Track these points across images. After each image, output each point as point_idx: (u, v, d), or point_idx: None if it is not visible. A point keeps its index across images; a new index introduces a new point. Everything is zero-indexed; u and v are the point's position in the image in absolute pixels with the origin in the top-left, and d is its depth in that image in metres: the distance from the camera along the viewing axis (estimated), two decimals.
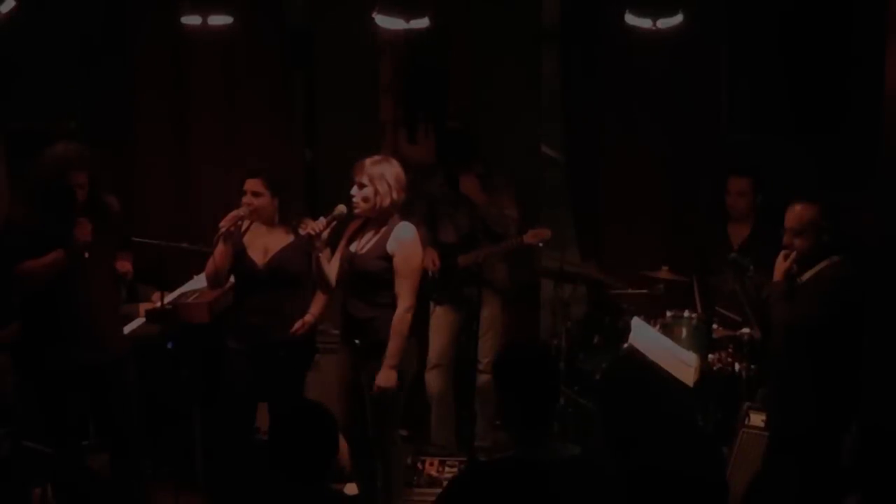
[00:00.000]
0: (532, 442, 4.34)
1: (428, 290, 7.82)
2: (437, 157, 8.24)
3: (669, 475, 4.32)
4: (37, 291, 6.12)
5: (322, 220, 6.24)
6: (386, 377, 6.28)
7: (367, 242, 6.39)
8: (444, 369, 8.01)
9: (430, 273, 7.75)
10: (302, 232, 6.45)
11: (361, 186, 6.29)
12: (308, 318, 6.63)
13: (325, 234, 6.26)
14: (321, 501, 4.42)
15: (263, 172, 6.64)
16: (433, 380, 8.00)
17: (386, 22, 6.64)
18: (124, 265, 6.43)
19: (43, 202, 6.08)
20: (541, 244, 7.62)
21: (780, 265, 6.05)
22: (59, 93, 7.58)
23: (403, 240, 6.34)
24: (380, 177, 6.29)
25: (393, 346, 6.27)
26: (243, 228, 6.64)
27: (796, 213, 5.99)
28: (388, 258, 6.29)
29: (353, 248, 6.40)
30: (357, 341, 6.37)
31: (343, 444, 6.92)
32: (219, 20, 7.04)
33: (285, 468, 4.38)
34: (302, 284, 6.59)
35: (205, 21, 7.01)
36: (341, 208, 6.29)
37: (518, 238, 7.62)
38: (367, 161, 6.32)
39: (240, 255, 6.59)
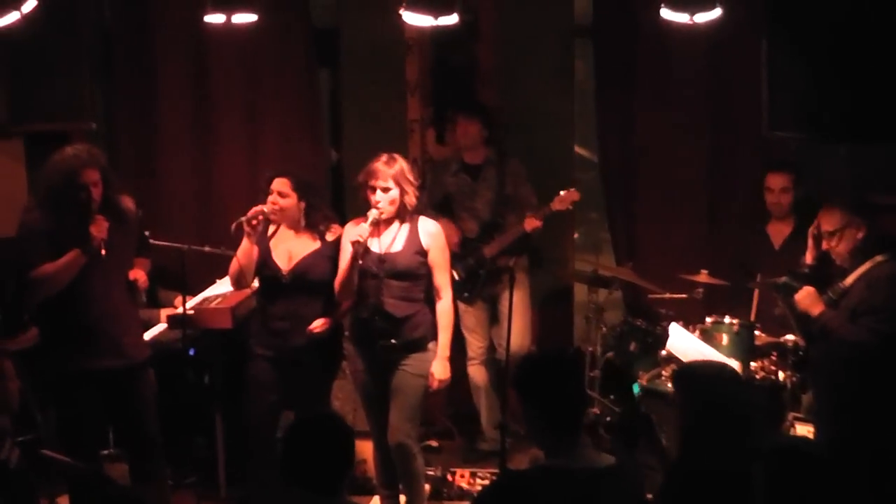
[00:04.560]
0: (562, 452, 4.34)
1: (458, 291, 7.84)
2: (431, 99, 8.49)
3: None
4: (54, 296, 6.12)
5: (365, 227, 6.29)
6: (444, 369, 6.51)
7: (394, 241, 6.45)
8: (485, 362, 8.15)
9: (457, 275, 7.86)
10: (330, 239, 6.59)
11: (386, 190, 6.35)
12: (328, 318, 6.61)
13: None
14: None
15: (292, 173, 6.67)
16: (476, 372, 8.15)
17: (413, 19, 6.62)
18: (137, 273, 6.42)
19: (58, 204, 6.10)
20: (570, 207, 7.68)
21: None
22: (78, 94, 7.56)
23: (434, 232, 6.51)
24: (403, 177, 6.38)
25: (444, 338, 6.52)
26: (270, 232, 6.66)
27: (829, 215, 6.09)
28: (424, 253, 6.45)
29: (373, 248, 6.43)
30: (393, 341, 6.43)
31: (370, 456, 6.95)
32: (242, 18, 7.01)
33: (297, 481, 4.36)
34: (326, 292, 6.59)
35: (228, 19, 6.98)
36: (375, 213, 6.35)
37: (545, 207, 7.67)
38: (381, 164, 6.38)
39: (264, 258, 6.61)
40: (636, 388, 7.19)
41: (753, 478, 4.29)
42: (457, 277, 7.90)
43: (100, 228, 6.06)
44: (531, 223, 7.68)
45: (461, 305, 7.98)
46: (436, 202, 8.07)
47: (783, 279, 6.33)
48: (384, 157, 6.41)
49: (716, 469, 4.39)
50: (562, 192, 7.68)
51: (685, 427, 4.60)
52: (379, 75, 8.64)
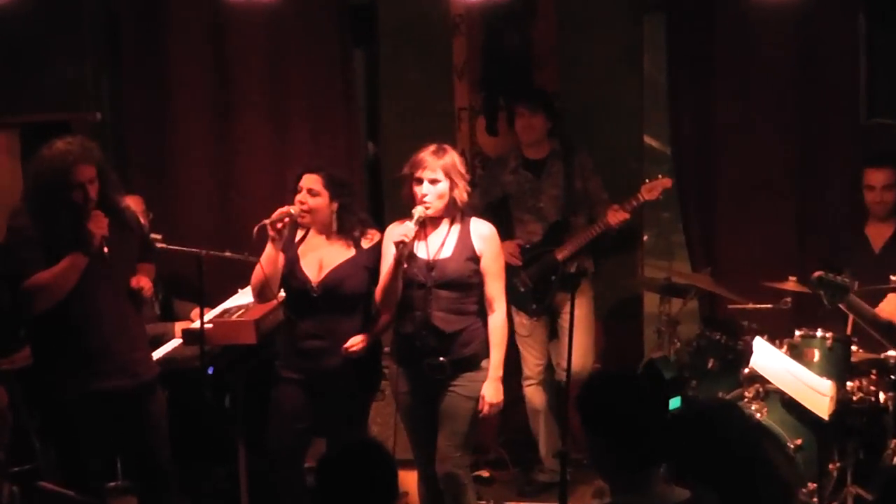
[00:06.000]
0: (631, 488, 4.24)
1: (524, 305, 7.88)
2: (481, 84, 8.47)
3: None
4: (54, 308, 6.06)
5: (410, 226, 6.23)
6: (496, 391, 6.42)
7: (443, 245, 6.37)
8: (543, 382, 8.10)
9: (522, 285, 7.87)
10: (366, 246, 6.54)
11: (434, 182, 6.27)
12: (366, 335, 6.54)
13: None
14: None
15: (324, 169, 6.59)
16: (533, 394, 8.09)
17: None
18: (140, 280, 6.33)
19: (50, 206, 6.03)
20: (660, 197, 7.70)
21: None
22: (81, 81, 7.54)
23: (488, 235, 6.44)
24: (454, 169, 6.31)
25: (497, 356, 6.44)
26: (298, 238, 6.61)
27: None
28: (476, 259, 6.38)
29: (420, 254, 6.36)
30: (442, 359, 6.35)
31: (413, 488, 6.88)
32: None
33: None
34: (362, 306, 6.56)
35: None
36: (421, 210, 6.28)
37: (632, 196, 7.69)
38: (429, 154, 6.34)
39: (291, 268, 6.54)
40: (675, 403, 7.08)
41: None
42: (521, 289, 7.86)
43: (99, 224, 6.00)
44: (617, 216, 7.67)
45: (517, 318, 7.91)
46: (492, 203, 8.04)
47: (817, 274, 6.11)
48: (433, 147, 6.36)
49: None
50: (648, 180, 7.70)
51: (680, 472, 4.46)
52: (422, 58, 8.60)
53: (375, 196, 8.55)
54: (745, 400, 7.01)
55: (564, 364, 6.83)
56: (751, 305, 7.64)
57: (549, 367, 8.06)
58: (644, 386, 4.49)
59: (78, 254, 5.99)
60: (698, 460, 4.26)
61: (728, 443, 4.26)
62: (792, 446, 6.63)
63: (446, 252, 6.35)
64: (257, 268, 6.45)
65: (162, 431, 6.45)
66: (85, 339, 6.14)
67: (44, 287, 6.01)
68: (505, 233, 7.60)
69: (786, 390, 6.78)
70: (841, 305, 6.08)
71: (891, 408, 6.83)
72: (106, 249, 6.01)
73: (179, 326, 7.22)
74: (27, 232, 6.06)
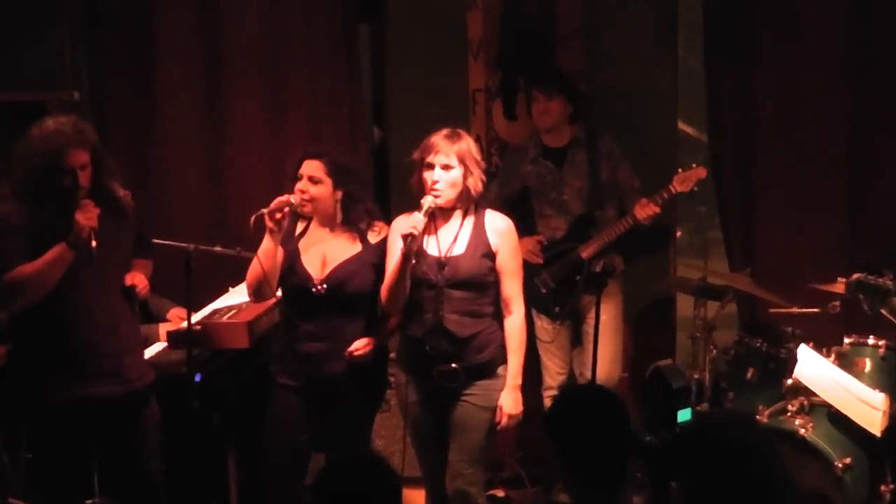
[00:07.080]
0: None
1: (546, 308, 7.89)
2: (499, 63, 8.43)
3: None
4: (38, 304, 6.03)
5: (419, 217, 6.19)
6: (515, 402, 6.42)
7: (456, 240, 6.35)
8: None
9: (543, 286, 7.88)
10: (374, 240, 6.51)
11: (447, 168, 6.25)
12: (372, 338, 6.51)
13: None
14: None
15: (327, 155, 6.56)
16: None
17: None
18: (136, 276, 6.31)
19: (37, 193, 6.00)
20: (695, 188, 7.68)
21: None
22: (56, 57, 7.50)
23: (504, 230, 6.43)
24: (469, 155, 6.29)
25: (516, 362, 6.43)
26: (298, 231, 6.57)
27: None
28: (492, 255, 6.35)
29: (430, 250, 6.34)
30: (455, 366, 6.31)
31: None
32: None
33: None
34: (368, 306, 6.52)
35: None
36: (430, 200, 6.25)
37: (663, 189, 7.67)
38: (442, 137, 6.33)
39: (292, 263, 6.51)
40: (685, 416, 7.02)
41: None
42: (543, 290, 7.85)
43: (87, 215, 5.96)
44: (645, 210, 7.65)
45: (538, 322, 7.91)
46: (510, 197, 8.03)
47: (855, 277, 6.06)
48: (446, 131, 6.35)
49: None
50: (681, 170, 7.68)
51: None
52: (433, 34, 8.60)
53: (382, 186, 8.50)
54: (789, 414, 6.97)
55: (589, 373, 6.81)
56: (795, 309, 7.57)
57: (573, 376, 8.02)
58: (610, 402, 4.53)
59: (64, 246, 5.96)
60: (703, 481, 4.20)
61: (736, 463, 4.18)
62: (840, 465, 6.58)
63: (459, 248, 6.32)
64: (254, 263, 6.41)
65: (154, 444, 6.45)
66: (71, 339, 6.12)
67: (26, 281, 5.99)
68: (525, 228, 7.58)
69: (833, 403, 6.75)
70: (883, 310, 6.02)
71: None
72: (94, 243, 5.97)
73: (164, 328, 7.17)
74: (10, 220, 6.04)
